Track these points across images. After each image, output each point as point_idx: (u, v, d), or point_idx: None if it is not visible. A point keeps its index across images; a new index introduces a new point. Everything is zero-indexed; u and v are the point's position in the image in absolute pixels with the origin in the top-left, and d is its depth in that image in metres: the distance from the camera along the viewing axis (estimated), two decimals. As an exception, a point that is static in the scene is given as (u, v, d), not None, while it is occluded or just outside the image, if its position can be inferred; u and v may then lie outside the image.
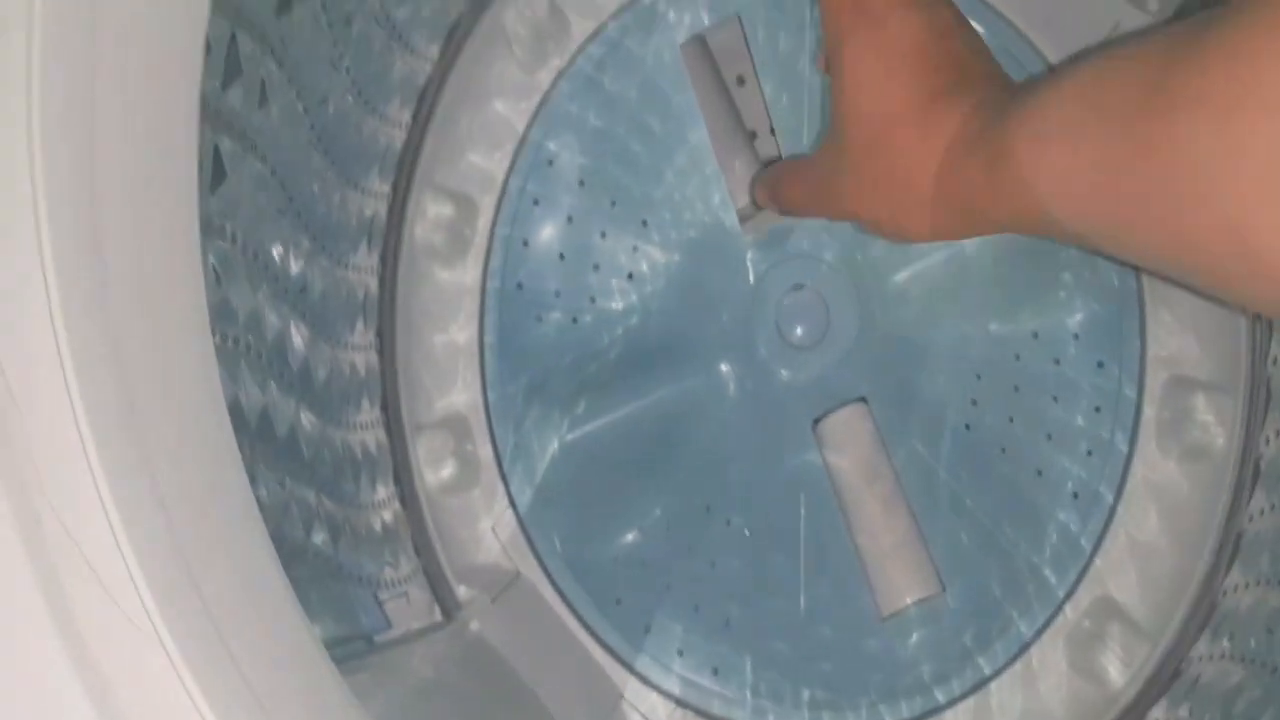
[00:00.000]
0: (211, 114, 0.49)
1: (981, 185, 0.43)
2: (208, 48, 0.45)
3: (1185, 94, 0.31)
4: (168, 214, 0.39)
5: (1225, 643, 0.59)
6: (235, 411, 0.51)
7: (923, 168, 0.46)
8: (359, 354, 0.71)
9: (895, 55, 0.48)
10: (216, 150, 0.51)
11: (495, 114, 0.76)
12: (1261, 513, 0.62)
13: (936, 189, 0.46)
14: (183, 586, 0.31)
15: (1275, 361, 0.65)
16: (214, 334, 0.43)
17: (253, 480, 0.41)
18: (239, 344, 0.54)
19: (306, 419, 0.62)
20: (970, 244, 0.71)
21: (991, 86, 0.47)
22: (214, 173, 0.51)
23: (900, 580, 0.64)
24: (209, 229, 0.51)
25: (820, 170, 0.56)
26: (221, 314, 0.52)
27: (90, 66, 0.33)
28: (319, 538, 0.59)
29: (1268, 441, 0.64)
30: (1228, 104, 0.30)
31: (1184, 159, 0.31)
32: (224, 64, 0.51)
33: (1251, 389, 0.63)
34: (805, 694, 0.68)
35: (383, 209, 0.73)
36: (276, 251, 0.60)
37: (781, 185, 0.63)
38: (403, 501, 0.71)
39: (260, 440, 0.55)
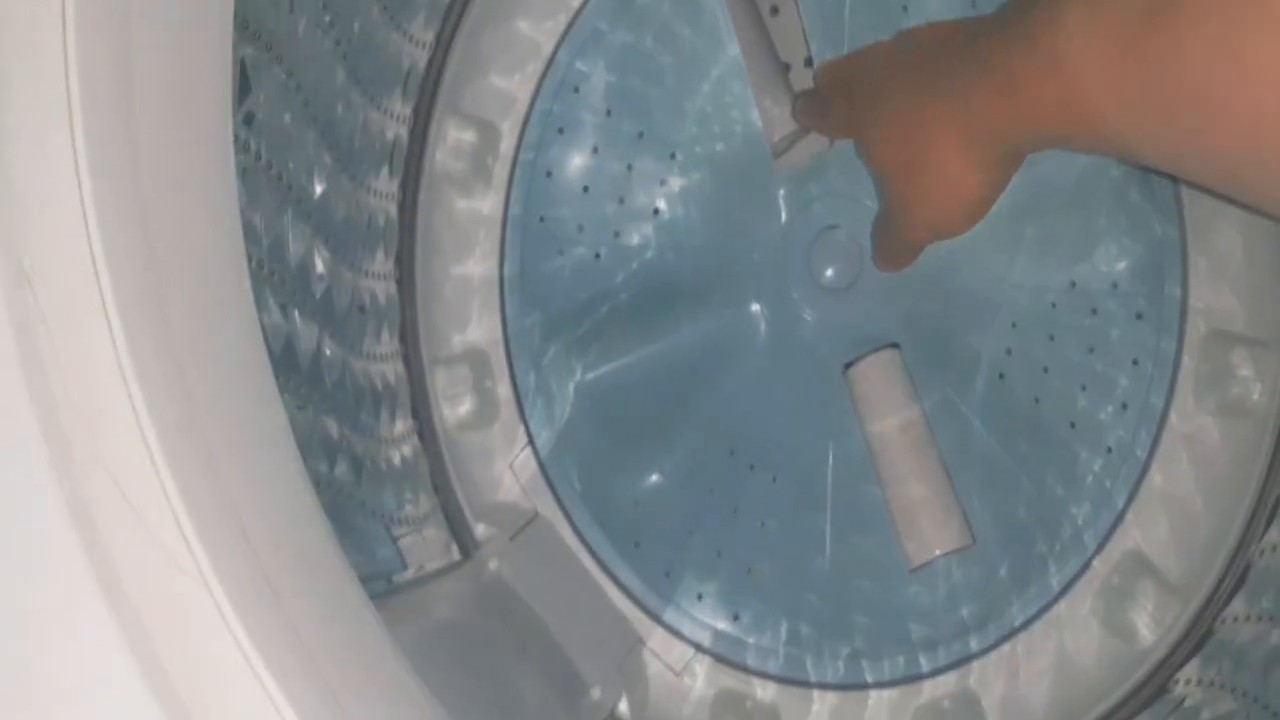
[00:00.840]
0: (239, 22, 0.47)
1: (1024, 81, 0.44)
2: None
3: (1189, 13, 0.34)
4: (200, 118, 0.38)
5: (1263, 604, 0.60)
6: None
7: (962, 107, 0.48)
8: (379, 283, 0.70)
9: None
10: (242, 61, 0.49)
11: (521, 33, 0.73)
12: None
13: (978, 124, 0.48)
14: (226, 523, 0.30)
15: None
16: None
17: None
18: (263, 267, 0.53)
19: (328, 346, 0.61)
20: (1005, 192, 0.70)
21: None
22: (240, 83, 0.49)
23: (931, 532, 0.64)
24: (235, 143, 0.49)
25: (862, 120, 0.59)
26: (246, 235, 0.51)
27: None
28: (340, 469, 0.58)
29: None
30: (1226, 22, 0.33)
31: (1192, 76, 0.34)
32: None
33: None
34: (838, 645, 0.68)
35: (404, 132, 0.71)
36: (299, 169, 0.58)
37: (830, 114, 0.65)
38: (421, 436, 0.70)
39: (284, 367, 0.54)
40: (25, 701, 0.28)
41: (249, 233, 0.51)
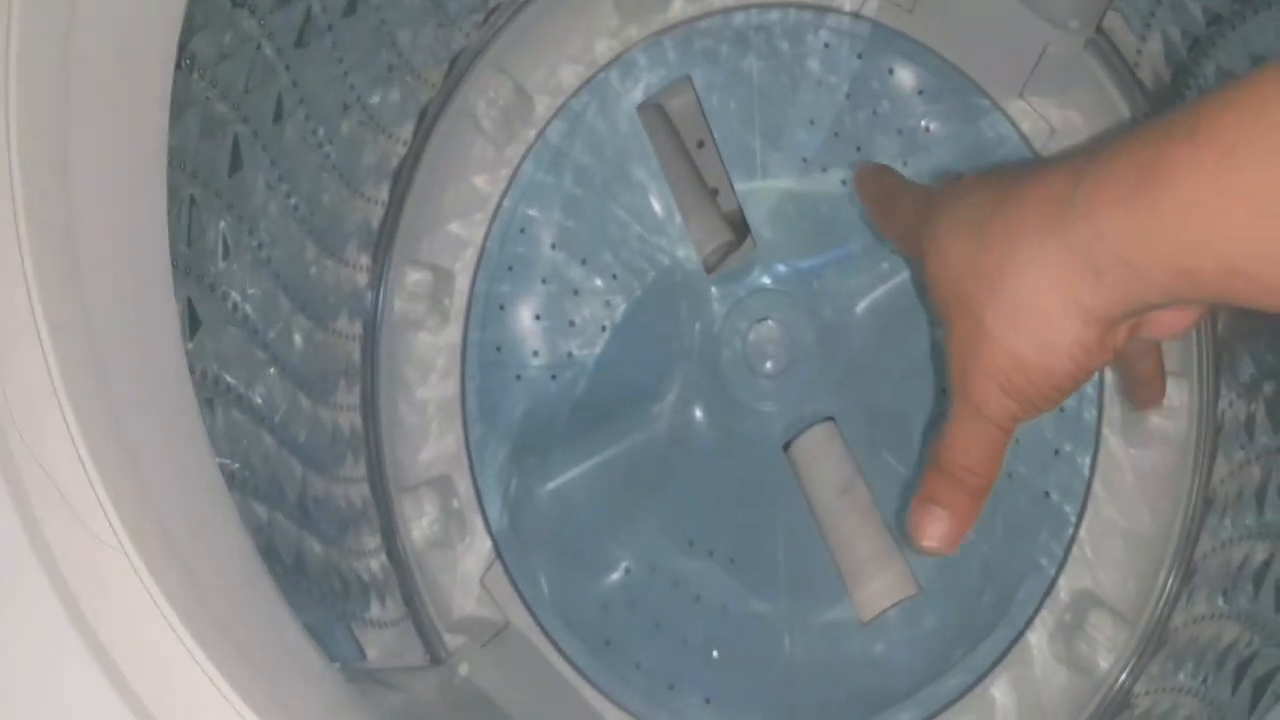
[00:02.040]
0: (189, 175, 0.57)
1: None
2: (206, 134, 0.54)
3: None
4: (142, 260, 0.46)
5: (1207, 605, 0.61)
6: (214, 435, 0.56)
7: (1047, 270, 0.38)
8: (342, 414, 0.77)
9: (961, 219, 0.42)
10: (193, 201, 0.59)
11: (469, 187, 0.84)
12: (1222, 481, 0.64)
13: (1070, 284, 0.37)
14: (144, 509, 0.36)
15: (1220, 334, 0.68)
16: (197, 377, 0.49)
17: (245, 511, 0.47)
18: (242, 400, 0.61)
19: (298, 469, 0.67)
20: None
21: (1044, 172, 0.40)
22: (193, 230, 0.59)
23: (878, 585, 0.66)
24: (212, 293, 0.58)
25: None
26: (212, 380, 0.59)
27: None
28: (310, 571, 0.63)
29: (1229, 404, 0.67)
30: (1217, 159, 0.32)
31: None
32: (229, 154, 0.60)
33: (1201, 366, 0.67)
34: (801, 714, 0.69)
35: (363, 281, 0.81)
36: (265, 320, 0.67)
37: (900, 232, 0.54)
38: (389, 554, 0.75)
39: (245, 481, 0.61)
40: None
41: (212, 379, 0.59)
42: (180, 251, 0.57)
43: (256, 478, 0.61)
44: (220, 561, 0.40)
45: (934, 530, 0.46)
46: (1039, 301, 0.38)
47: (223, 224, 0.62)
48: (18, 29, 0.38)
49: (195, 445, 0.43)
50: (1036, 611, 0.68)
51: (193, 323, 0.58)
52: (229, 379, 0.61)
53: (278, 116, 0.66)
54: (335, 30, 0.70)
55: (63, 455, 0.35)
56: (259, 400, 0.64)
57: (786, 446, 0.74)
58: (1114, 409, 0.70)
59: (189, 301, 0.57)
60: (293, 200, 0.70)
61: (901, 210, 0.52)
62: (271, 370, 0.66)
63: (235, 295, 0.64)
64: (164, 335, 0.46)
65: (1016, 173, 0.41)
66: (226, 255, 0.62)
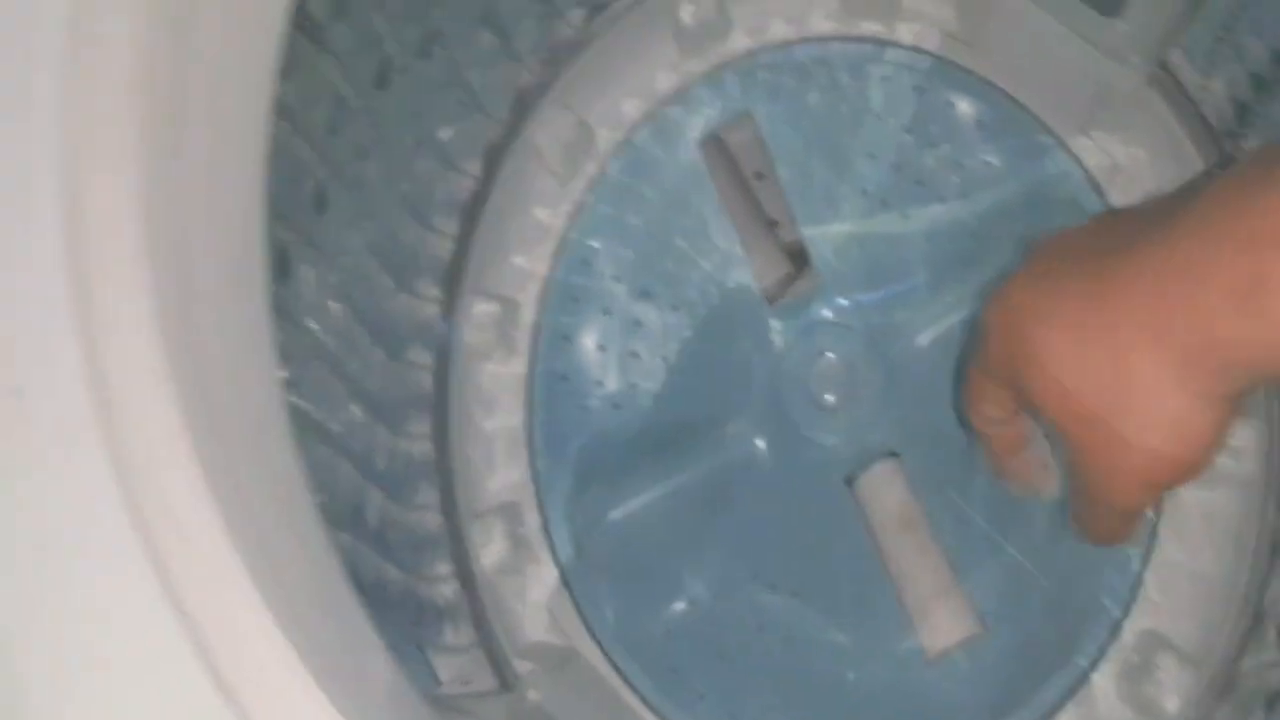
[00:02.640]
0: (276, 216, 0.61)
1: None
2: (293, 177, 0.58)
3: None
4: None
5: (1272, 651, 0.61)
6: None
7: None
8: (416, 444, 0.80)
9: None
10: (284, 247, 0.62)
11: (534, 220, 0.87)
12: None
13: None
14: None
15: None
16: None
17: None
18: (321, 428, 0.64)
19: (376, 496, 0.71)
20: (981, 305, 0.78)
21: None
22: (279, 269, 0.62)
23: (942, 623, 0.67)
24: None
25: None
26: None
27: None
28: (388, 597, 0.67)
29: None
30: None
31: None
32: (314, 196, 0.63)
33: (1270, 407, 0.68)
34: (865, 748, 0.71)
35: (434, 312, 0.84)
36: (343, 352, 0.70)
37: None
38: (460, 580, 0.78)
39: (330, 510, 0.64)
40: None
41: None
42: (269, 289, 0.60)
43: (340, 506, 0.64)
44: (315, 586, 0.43)
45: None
46: (1166, 404, 0.38)
47: (308, 261, 0.65)
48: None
49: (292, 476, 0.46)
50: (1102, 652, 0.69)
51: (283, 356, 0.61)
52: (314, 411, 0.65)
53: (359, 157, 0.70)
54: (410, 72, 0.74)
55: (181, 486, 0.38)
56: (341, 430, 0.67)
57: (850, 481, 0.75)
58: (1181, 446, 0.71)
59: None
60: (371, 236, 0.74)
61: (992, 350, 0.51)
62: (351, 403, 0.69)
63: (317, 329, 0.67)
64: (263, 370, 0.49)
65: (1094, 266, 0.40)
66: (311, 292, 0.65)
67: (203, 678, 0.36)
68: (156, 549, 0.37)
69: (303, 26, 0.59)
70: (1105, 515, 0.49)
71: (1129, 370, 0.38)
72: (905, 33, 0.85)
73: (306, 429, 0.63)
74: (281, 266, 0.62)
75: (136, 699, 0.37)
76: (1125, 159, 0.78)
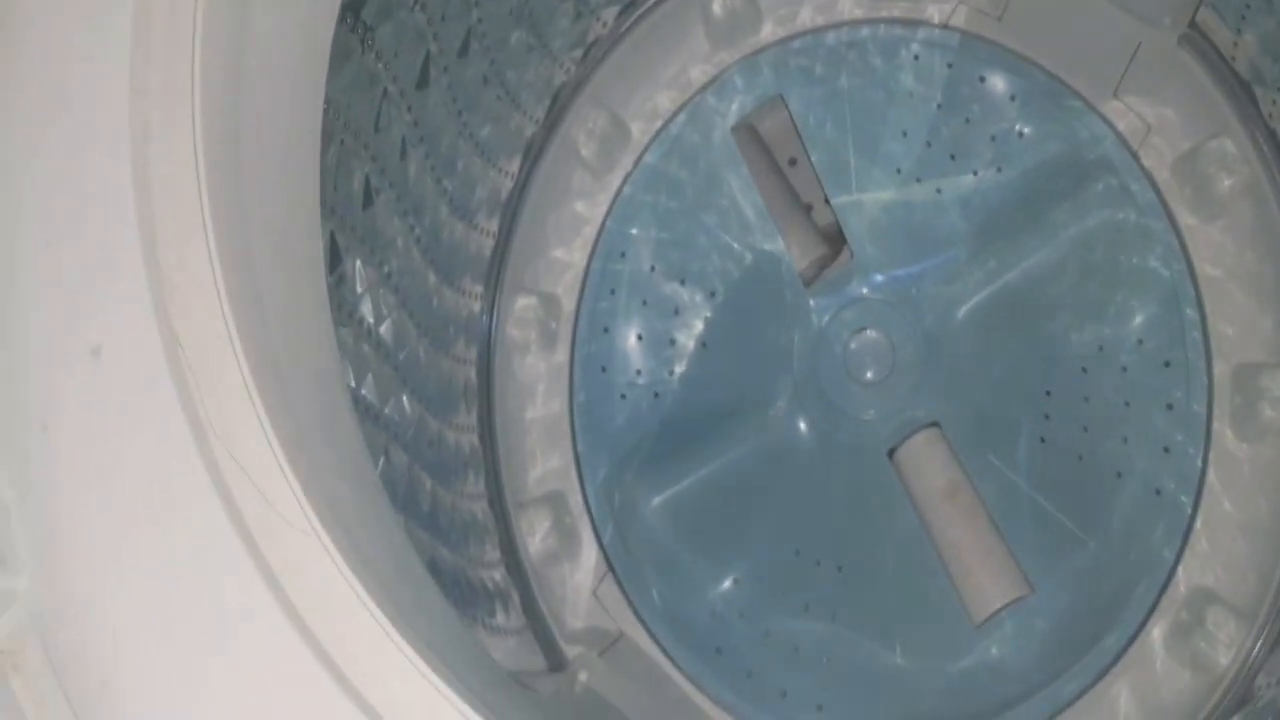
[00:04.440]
0: (328, 210, 0.68)
1: None
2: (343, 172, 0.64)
3: None
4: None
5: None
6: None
7: None
8: (464, 434, 0.86)
9: None
10: (334, 238, 0.69)
11: (571, 214, 0.93)
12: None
13: None
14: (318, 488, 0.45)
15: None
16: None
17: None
18: (380, 419, 0.71)
19: (429, 483, 0.77)
20: (1020, 273, 0.82)
21: None
22: (331, 259, 0.69)
23: (989, 587, 0.71)
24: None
25: None
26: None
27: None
28: (444, 579, 0.72)
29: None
30: None
31: None
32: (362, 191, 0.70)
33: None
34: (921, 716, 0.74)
35: (478, 307, 0.91)
36: (394, 339, 0.77)
37: None
38: (508, 568, 0.84)
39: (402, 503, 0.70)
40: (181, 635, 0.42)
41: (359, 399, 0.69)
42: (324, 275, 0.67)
43: (395, 489, 0.71)
44: (392, 555, 0.48)
45: None
46: None
47: (357, 255, 0.72)
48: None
49: (356, 449, 0.52)
50: (1152, 611, 0.71)
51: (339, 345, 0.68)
52: (367, 396, 0.71)
53: (403, 154, 0.77)
54: (450, 72, 0.81)
55: (263, 461, 0.44)
56: (393, 416, 0.74)
57: (891, 453, 0.80)
58: (1223, 403, 0.74)
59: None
60: (416, 233, 0.80)
61: None
62: (402, 392, 0.76)
63: (369, 319, 0.74)
64: (326, 350, 0.56)
65: None
66: (360, 283, 0.72)
67: (291, 631, 0.41)
68: (234, 503, 0.43)
69: (352, 27, 0.67)
70: None
71: None
72: (934, 12, 0.90)
73: (360, 412, 0.70)
74: (334, 258, 0.69)
75: (224, 649, 0.42)
76: (1156, 119, 0.82)
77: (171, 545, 0.42)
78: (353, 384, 0.70)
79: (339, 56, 0.65)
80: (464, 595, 0.76)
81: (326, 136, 0.66)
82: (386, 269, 0.76)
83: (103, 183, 0.47)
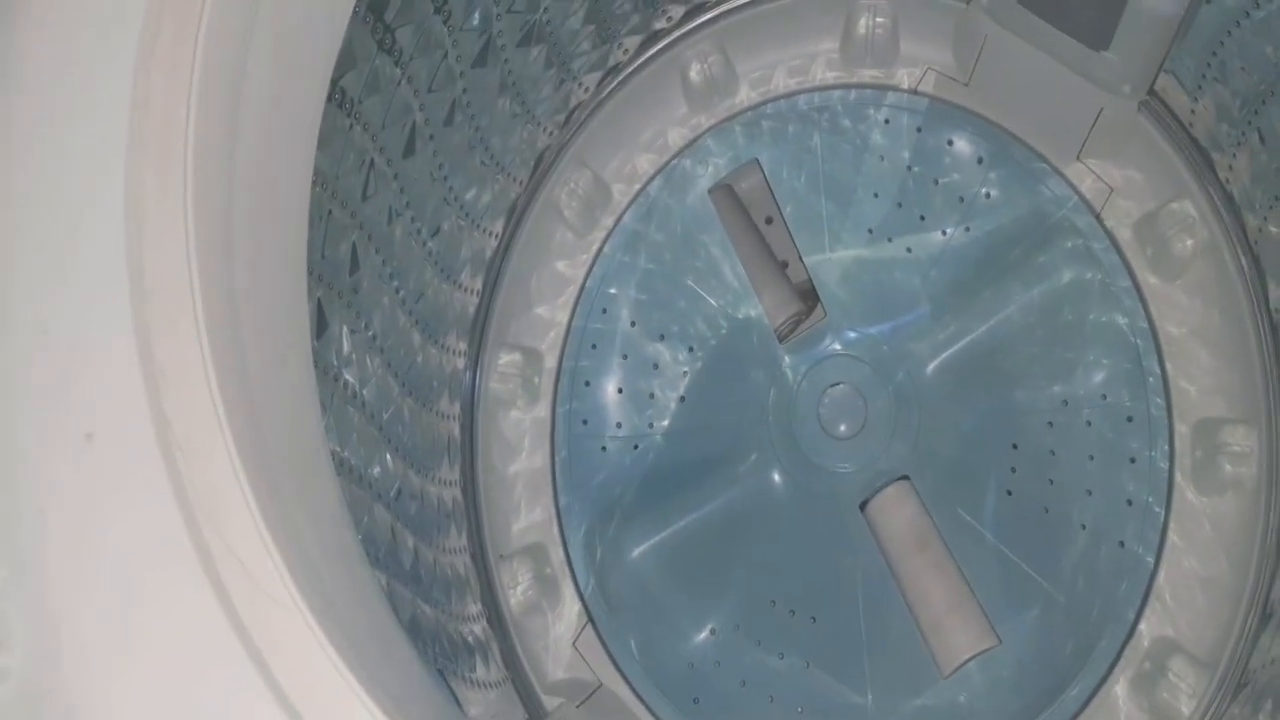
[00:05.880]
0: (315, 278, 0.70)
1: None
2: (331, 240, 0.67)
3: None
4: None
5: None
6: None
7: None
8: (446, 489, 0.88)
9: None
10: (320, 305, 0.71)
11: (553, 272, 0.96)
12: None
13: None
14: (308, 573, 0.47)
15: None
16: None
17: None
18: (361, 479, 0.72)
19: (410, 539, 0.78)
20: (988, 330, 0.85)
21: None
22: (317, 325, 0.72)
23: (957, 638, 0.73)
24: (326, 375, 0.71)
25: None
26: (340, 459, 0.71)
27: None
28: (423, 633, 0.74)
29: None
30: None
31: None
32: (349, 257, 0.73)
33: (1270, 411, 0.73)
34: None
35: (461, 364, 0.93)
36: (377, 402, 0.79)
37: None
38: (489, 621, 0.86)
39: (368, 552, 0.72)
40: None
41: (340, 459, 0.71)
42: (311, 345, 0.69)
43: (377, 549, 0.72)
44: (366, 617, 0.50)
45: None
46: None
47: (343, 319, 0.74)
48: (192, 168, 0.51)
49: (340, 522, 0.54)
50: (1116, 661, 0.73)
51: (322, 407, 0.70)
52: (351, 458, 0.73)
53: (390, 220, 0.79)
54: (436, 139, 0.84)
55: (249, 542, 0.46)
56: (376, 476, 0.76)
57: (863, 506, 0.82)
58: (1185, 457, 0.77)
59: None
60: (401, 294, 0.83)
61: None
62: (385, 450, 0.78)
63: (354, 382, 0.76)
64: (312, 425, 0.58)
65: None
66: (346, 347, 0.74)
67: (280, 714, 0.43)
68: (221, 583, 0.45)
69: (340, 102, 0.69)
70: None
71: None
72: (904, 76, 0.93)
73: (344, 474, 0.72)
74: (320, 323, 0.71)
75: None
76: (1118, 182, 0.85)
77: (160, 625, 0.44)
78: (337, 447, 0.72)
79: (327, 131, 0.68)
80: (444, 650, 0.77)
81: (315, 209, 0.69)
82: (371, 331, 0.78)
83: (95, 267, 0.49)
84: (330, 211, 0.70)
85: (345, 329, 0.75)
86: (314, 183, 0.70)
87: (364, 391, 0.77)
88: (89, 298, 0.48)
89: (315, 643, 0.45)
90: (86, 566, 0.43)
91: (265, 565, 0.45)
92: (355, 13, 0.64)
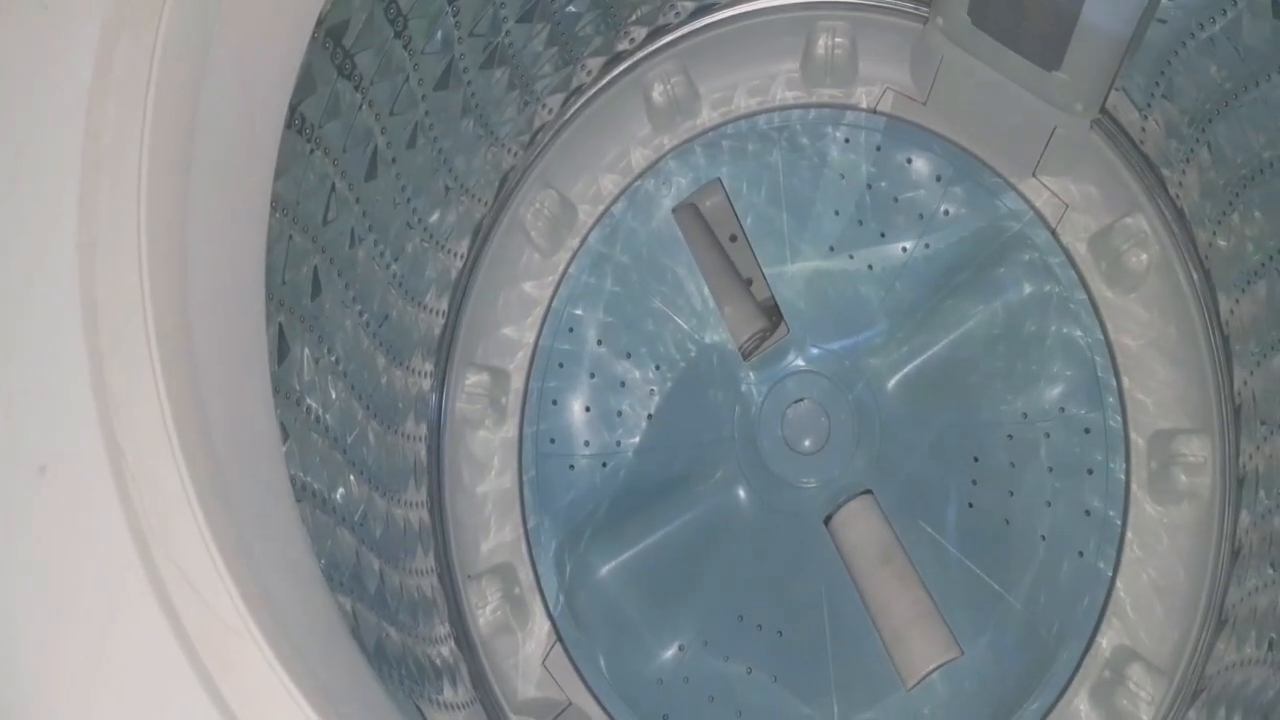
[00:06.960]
0: (276, 303, 0.70)
1: None
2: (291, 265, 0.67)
3: None
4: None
5: (1244, 651, 0.66)
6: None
7: None
8: (413, 511, 0.88)
9: None
10: (281, 329, 0.71)
11: (520, 293, 0.96)
12: (1246, 531, 0.71)
13: None
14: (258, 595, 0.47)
15: (1238, 390, 0.75)
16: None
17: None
18: (326, 504, 0.72)
19: (376, 561, 0.78)
20: (947, 344, 0.86)
21: None
22: (279, 350, 0.71)
23: (919, 649, 0.73)
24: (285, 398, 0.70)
25: None
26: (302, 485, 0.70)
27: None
28: (389, 656, 0.74)
29: (1249, 457, 0.74)
30: None
31: None
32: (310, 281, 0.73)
33: (1223, 422, 0.74)
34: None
35: (427, 385, 0.93)
36: (340, 425, 0.79)
37: None
38: (457, 641, 0.85)
39: (332, 576, 0.71)
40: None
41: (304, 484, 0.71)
42: (270, 371, 0.69)
43: (341, 573, 0.72)
44: (322, 641, 0.50)
45: None
46: None
47: (305, 344, 0.74)
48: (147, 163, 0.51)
49: (300, 547, 0.54)
50: (1077, 669, 0.74)
51: (283, 434, 0.70)
52: (314, 483, 0.73)
53: (352, 243, 0.79)
54: (399, 162, 0.84)
55: (202, 568, 0.46)
56: (340, 500, 0.75)
57: (827, 520, 0.82)
58: (1142, 469, 0.78)
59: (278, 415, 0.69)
60: (365, 317, 0.83)
61: None
62: (350, 474, 0.78)
63: (317, 406, 0.76)
64: (269, 450, 0.58)
65: None
66: (309, 371, 0.74)
67: None
68: (173, 608, 0.45)
69: (299, 128, 0.70)
70: None
71: None
72: (862, 95, 0.95)
73: (307, 499, 0.71)
74: (281, 348, 0.71)
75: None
76: (1073, 198, 0.86)
77: (114, 653, 0.44)
78: (299, 472, 0.72)
79: (287, 156, 0.68)
80: (411, 674, 0.77)
81: (274, 233, 0.69)
82: (334, 355, 0.78)
83: (47, 296, 0.49)
84: (290, 236, 0.70)
85: (308, 353, 0.75)
86: (273, 208, 0.70)
87: (327, 416, 0.77)
88: (41, 328, 0.48)
89: (267, 666, 0.45)
90: (40, 595, 0.43)
91: (217, 590, 0.45)
92: (314, 39, 0.64)
